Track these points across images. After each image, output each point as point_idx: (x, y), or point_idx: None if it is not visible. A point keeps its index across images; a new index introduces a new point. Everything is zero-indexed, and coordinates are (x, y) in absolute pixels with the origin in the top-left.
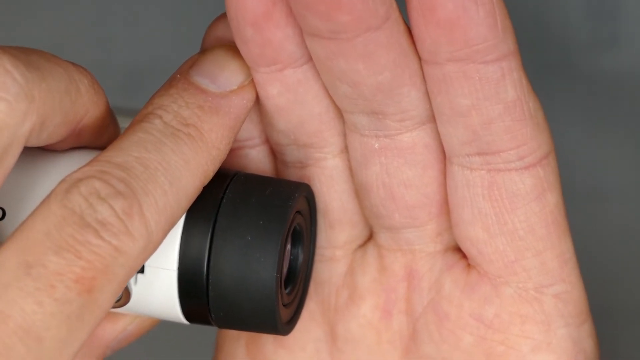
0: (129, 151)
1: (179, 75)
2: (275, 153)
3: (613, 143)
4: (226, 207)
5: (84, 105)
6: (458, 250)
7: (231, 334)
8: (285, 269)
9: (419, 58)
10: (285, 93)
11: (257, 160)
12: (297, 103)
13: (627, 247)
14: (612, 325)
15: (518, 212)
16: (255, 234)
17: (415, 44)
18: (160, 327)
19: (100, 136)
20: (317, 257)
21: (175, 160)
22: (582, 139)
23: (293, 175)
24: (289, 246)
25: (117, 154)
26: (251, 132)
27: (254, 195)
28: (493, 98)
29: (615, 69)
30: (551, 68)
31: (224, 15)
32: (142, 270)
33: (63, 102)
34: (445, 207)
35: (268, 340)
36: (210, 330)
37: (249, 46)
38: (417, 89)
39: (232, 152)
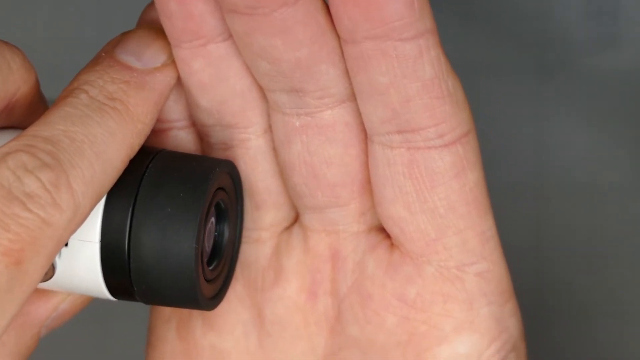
0: (56, 125)
1: (104, 53)
2: (201, 135)
3: (613, 142)
4: (148, 180)
5: (14, 82)
6: (382, 230)
7: (162, 317)
8: (209, 245)
9: (338, 37)
10: (208, 68)
11: (186, 141)
12: (220, 79)
13: (627, 244)
14: (613, 323)
15: (438, 189)
16: (175, 206)
17: (333, 23)
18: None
19: (31, 115)
20: (244, 239)
21: (101, 133)
22: (582, 138)
23: (218, 155)
24: (213, 221)
25: (44, 128)
26: (180, 113)
27: (175, 169)
28: (411, 76)
29: (615, 69)
30: (551, 68)
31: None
32: (66, 244)
33: None
34: (368, 187)
35: (197, 323)
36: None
37: (172, 20)
38: (336, 67)
39: (162, 132)
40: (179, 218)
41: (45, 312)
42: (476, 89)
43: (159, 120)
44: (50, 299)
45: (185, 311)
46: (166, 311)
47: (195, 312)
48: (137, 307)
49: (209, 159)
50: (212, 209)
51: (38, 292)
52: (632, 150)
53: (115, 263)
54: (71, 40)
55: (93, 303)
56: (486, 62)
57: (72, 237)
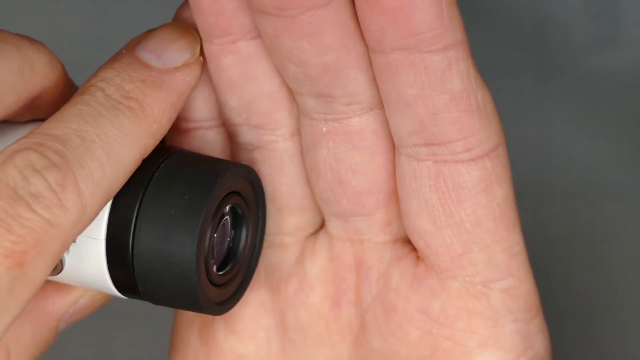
0: (68, 123)
1: (125, 50)
2: (230, 135)
3: (613, 142)
4: (156, 181)
5: (39, 82)
6: (408, 242)
7: (185, 320)
8: (222, 249)
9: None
10: (237, 65)
11: (213, 142)
12: (249, 77)
13: (627, 244)
14: (613, 323)
15: (465, 204)
16: (179, 208)
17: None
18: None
19: (57, 109)
20: (267, 243)
21: (113, 133)
22: (582, 138)
23: (244, 157)
24: (227, 225)
25: (55, 125)
26: (209, 112)
27: (185, 170)
28: (439, 88)
29: (615, 69)
30: (551, 68)
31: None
32: (74, 240)
33: (15, 82)
34: (394, 197)
35: (219, 327)
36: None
37: (204, 15)
38: (364, 73)
39: (189, 132)
40: (182, 220)
41: (63, 306)
42: None
43: (185, 119)
44: (69, 293)
45: (208, 315)
46: (189, 314)
47: (218, 317)
48: (142, 307)
49: (224, 162)
50: (225, 213)
51: (56, 286)
52: (632, 150)
53: (120, 262)
54: (71, 40)
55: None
56: (486, 62)
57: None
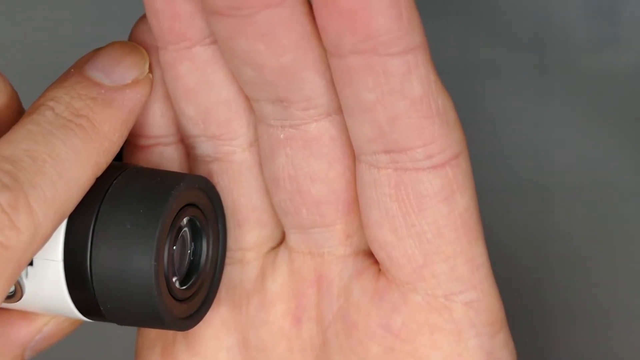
0: (18, 143)
1: (73, 69)
2: (188, 149)
3: (613, 142)
4: (110, 197)
5: None
6: (370, 255)
7: (147, 342)
8: (184, 263)
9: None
10: (194, 72)
11: (172, 157)
12: (205, 84)
13: (627, 244)
14: (613, 323)
15: (426, 213)
16: (134, 223)
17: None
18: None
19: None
20: (227, 259)
21: (65, 152)
22: (582, 138)
23: (202, 169)
24: (187, 239)
25: (5, 147)
26: (167, 128)
27: (139, 186)
28: (398, 93)
29: (615, 68)
30: (551, 68)
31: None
32: (31, 263)
33: None
34: (355, 207)
35: (181, 349)
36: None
37: (159, 19)
38: (321, 77)
39: (147, 149)
40: (138, 234)
41: (29, 334)
42: (476, 89)
43: (144, 136)
44: (33, 321)
45: (169, 336)
46: (151, 336)
47: (180, 337)
48: None
49: (179, 174)
50: (183, 226)
51: (20, 314)
52: (632, 150)
53: (80, 282)
54: (71, 40)
55: None
56: (486, 62)
57: (37, 256)
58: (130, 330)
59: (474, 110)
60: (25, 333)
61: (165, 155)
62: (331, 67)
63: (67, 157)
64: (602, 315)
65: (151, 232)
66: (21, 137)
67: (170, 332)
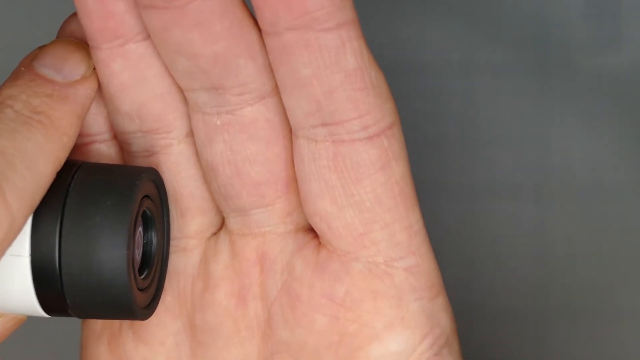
0: None
1: (23, 68)
2: (122, 145)
3: (613, 142)
4: (74, 191)
5: None
6: (310, 230)
7: (93, 333)
8: (139, 253)
9: (258, 30)
10: (128, 69)
11: (107, 154)
12: (140, 80)
13: (627, 244)
14: (613, 323)
15: (364, 182)
16: (103, 215)
17: (256, 17)
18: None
19: None
20: (172, 248)
21: (30, 147)
22: (582, 138)
23: (140, 164)
24: (140, 230)
25: None
26: (101, 126)
27: (101, 179)
28: (334, 66)
29: (615, 68)
30: (551, 68)
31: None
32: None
33: None
34: (293, 185)
35: (128, 337)
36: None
37: (91, 19)
38: (255, 61)
39: (84, 147)
40: (109, 226)
41: None
42: (476, 89)
43: (80, 135)
44: None
45: (115, 326)
46: (97, 327)
47: (126, 326)
48: None
49: (132, 167)
50: (139, 218)
51: None
52: (633, 150)
53: (47, 276)
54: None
55: None
56: (486, 62)
57: None
58: (72, 325)
59: (474, 110)
60: None
61: (101, 153)
62: (267, 48)
63: (33, 152)
64: (602, 315)
65: (122, 223)
66: None
67: (117, 322)
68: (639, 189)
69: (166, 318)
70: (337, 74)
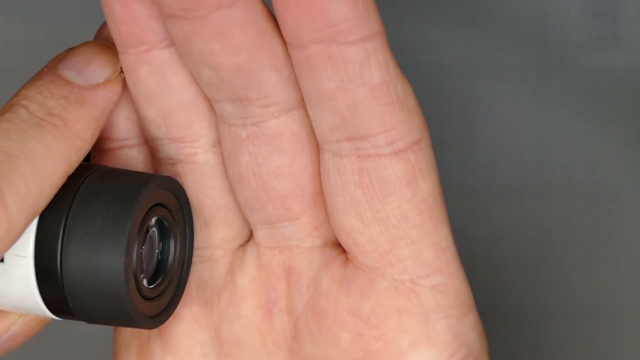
0: None
1: (47, 69)
2: (152, 151)
3: (613, 142)
4: (81, 195)
5: None
6: (337, 245)
7: (124, 342)
8: (151, 262)
9: (282, 41)
10: (153, 76)
11: (137, 160)
12: (165, 87)
13: (627, 244)
14: (613, 323)
15: (390, 198)
16: (105, 220)
17: (277, 27)
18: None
19: None
20: (196, 258)
21: (37, 149)
22: (582, 138)
23: (166, 172)
24: (155, 238)
25: None
26: (131, 131)
27: (110, 184)
28: (358, 80)
29: (614, 68)
30: (551, 68)
31: None
32: (2, 260)
33: None
34: (320, 199)
35: (156, 346)
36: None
37: (118, 24)
38: (279, 72)
39: (113, 152)
40: (108, 232)
41: None
42: (476, 89)
43: (109, 139)
44: (0, 319)
45: (144, 335)
46: (127, 335)
47: (154, 335)
48: None
49: (147, 174)
50: (151, 225)
51: None
52: (632, 150)
53: (49, 279)
54: (72, 40)
55: None
56: (486, 62)
57: (8, 252)
58: (108, 333)
59: (474, 110)
60: None
61: (131, 158)
62: (292, 60)
63: (40, 155)
64: (601, 315)
65: (122, 230)
66: None
67: (145, 331)
68: (638, 189)
69: (193, 327)
70: (361, 88)
